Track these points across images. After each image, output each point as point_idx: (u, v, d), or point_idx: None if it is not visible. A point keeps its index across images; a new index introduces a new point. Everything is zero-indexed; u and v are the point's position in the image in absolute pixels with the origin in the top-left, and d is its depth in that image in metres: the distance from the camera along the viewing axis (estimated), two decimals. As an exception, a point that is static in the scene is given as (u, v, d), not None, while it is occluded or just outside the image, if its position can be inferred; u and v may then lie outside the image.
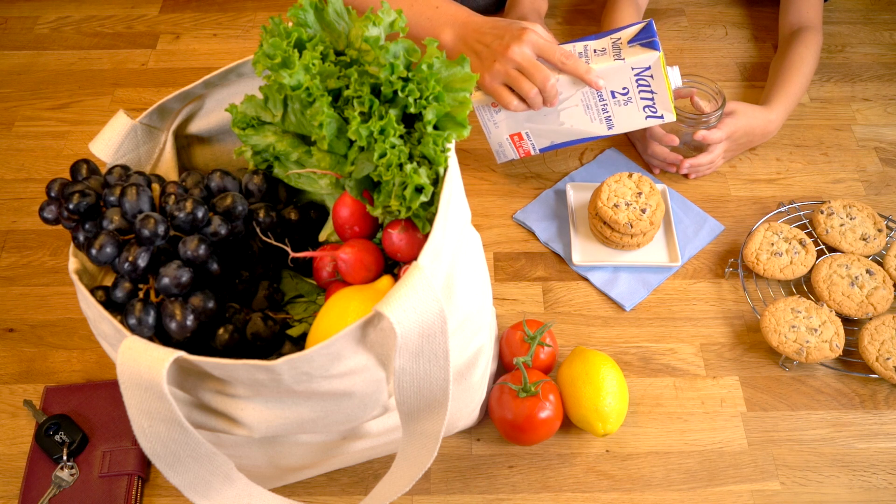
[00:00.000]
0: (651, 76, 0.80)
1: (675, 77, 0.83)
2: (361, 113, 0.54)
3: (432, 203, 0.55)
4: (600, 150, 1.02)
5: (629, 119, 0.84)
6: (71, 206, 0.54)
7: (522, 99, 0.82)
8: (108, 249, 0.52)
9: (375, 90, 0.55)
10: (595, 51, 0.82)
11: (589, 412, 0.71)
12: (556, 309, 0.86)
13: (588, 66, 0.80)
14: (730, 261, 0.89)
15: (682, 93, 0.95)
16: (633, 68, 0.79)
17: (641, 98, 0.82)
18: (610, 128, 0.85)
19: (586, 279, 0.89)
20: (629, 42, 0.81)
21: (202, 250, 0.54)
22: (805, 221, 0.93)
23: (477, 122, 1.03)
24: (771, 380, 0.80)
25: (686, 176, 0.98)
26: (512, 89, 0.81)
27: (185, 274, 0.53)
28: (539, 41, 0.79)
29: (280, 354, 0.57)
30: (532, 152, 0.91)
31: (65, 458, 0.73)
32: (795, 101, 1.00)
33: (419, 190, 0.54)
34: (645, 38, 0.80)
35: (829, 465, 0.74)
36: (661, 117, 0.84)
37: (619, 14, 1.04)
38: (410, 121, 0.56)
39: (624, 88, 0.81)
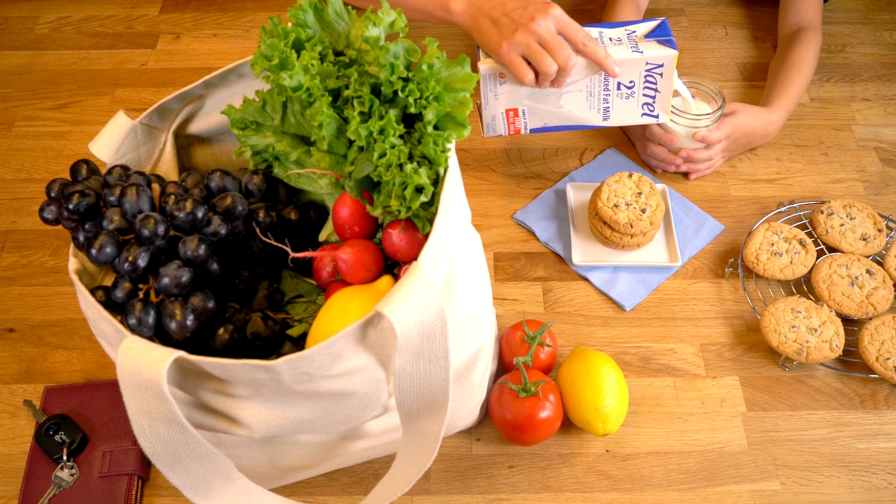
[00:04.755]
0: (661, 74, 0.80)
1: (676, 81, 0.84)
2: (361, 113, 0.54)
3: (432, 203, 0.55)
4: (600, 150, 1.02)
5: (626, 113, 0.85)
6: (71, 207, 0.54)
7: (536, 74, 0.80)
8: (108, 249, 0.52)
9: (375, 90, 0.55)
10: (611, 39, 0.82)
11: (589, 412, 0.71)
12: (556, 309, 0.86)
13: (607, 51, 0.79)
14: (730, 261, 0.89)
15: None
16: (647, 63, 0.80)
17: (644, 94, 0.82)
18: (605, 119, 0.85)
19: (586, 279, 0.89)
20: (645, 36, 0.81)
21: (202, 250, 0.54)
22: (805, 221, 0.93)
23: (477, 122, 1.03)
24: (771, 380, 0.80)
25: (686, 175, 0.98)
26: (528, 62, 0.79)
27: (185, 274, 0.53)
28: (563, 17, 0.78)
29: (280, 354, 0.57)
30: (522, 131, 0.90)
31: (65, 458, 0.73)
32: (795, 101, 1.00)
33: (419, 190, 0.54)
34: (662, 36, 0.81)
35: (829, 465, 0.74)
36: (657, 116, 0.84)
37: (619, 14, 1.04)
38: (410, 121, 0.56)
39: (631, 82, 0.82)
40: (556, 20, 0.77)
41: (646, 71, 0.80)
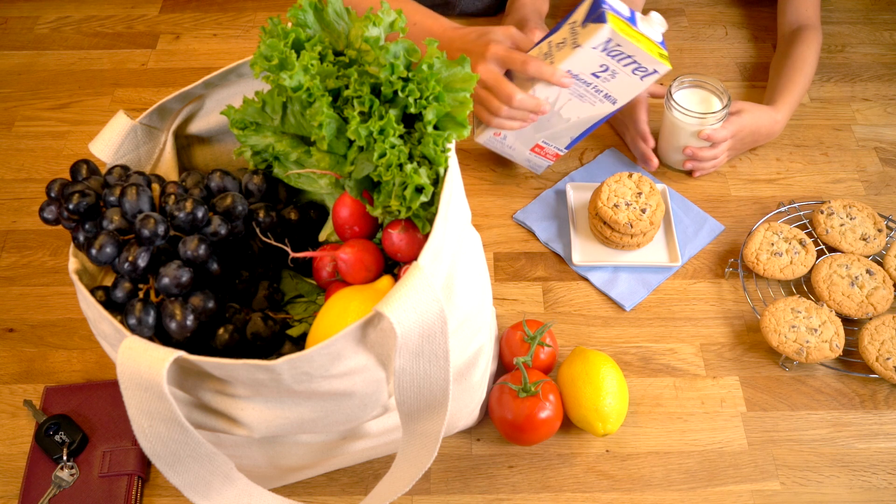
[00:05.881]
0: (618, 45, 0.76)
1: (655, 25, 0.79)
2: (361, 113, 0.54)
3: (432, 203, 0.55)
4: (600, 150, 1.02)
5: (627, 87, 0.81)
6: (71, 207, 0.54)
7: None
8: (108, 249, 0.52)
9: (375, 90, 0.55)
10: (557, 44, 0.79)
11: (589, 412, 0.71)
12: (556, 309, 0.86)
13: (552, 67, 0.78)
14: (730, 261, 0.89)
15: (659, 93, 0.95)
16: (593, 48, 0.76)
17: (625, 65, 0.78)
18: (614, 102, 0.83)
19: (586, 279, 0.88)
20: (582, 23, 0.77)
21: (202, 250, 0.54)
22: (805, 221, 0.93)
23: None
24: (771, 380, 0.80)
25: (690, 173, 0.98)
26: None
27: (185, 274, 0.53)
28: (501, 54, 0.79)
29: (280, 354, 0.57)
30: (561, 153, 0.91)
31: (65, 458, 0.73)
32: (799, 100, 1.00)
33: (419, 190, 0.54)
34: (593, 13, 0.76)
35: (829, 465, 0.74)
36: (655, 72, 0.79)
37: None
38: (410, 121, 0.56)
39: (602, 66, 0.78)
40: (496, 60, 0.78)
41: (602, 51, 0.76)
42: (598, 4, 0.77)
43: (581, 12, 0.79)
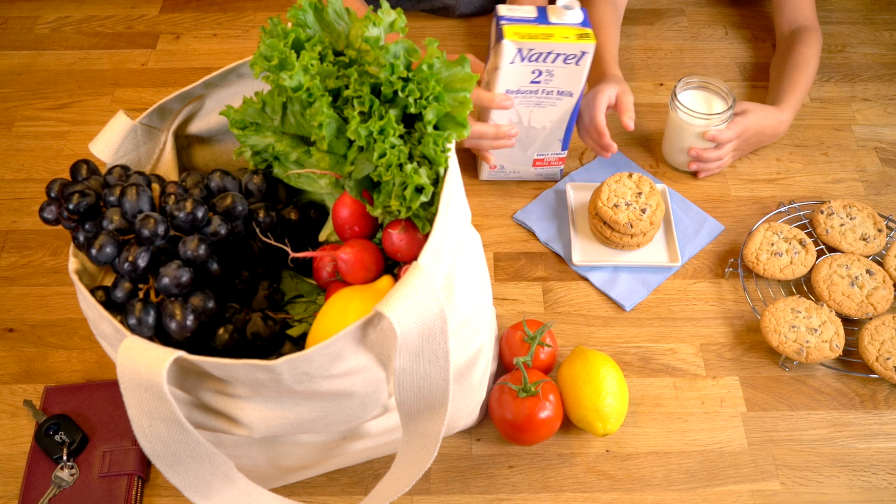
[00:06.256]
0: (531, 49, 0.77)
1: (565, 10, 0.79)
2: (361, 113, 0.54)
3: (432, 203, 0.55)
4: (600, 150, 1.02)
5: (572, 77, 0.82)
6: (71, 207, 0.54)
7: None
8: (108, 249, 0.52)
9: (375, 90, 0.55)
10: (490, 71, 0.82)
11: (589, 412, 0.71)
12: (556, 309, 0.86)
13: (490, 94, 0.81)
14: (730, 261, 0.89)
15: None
16: (511, 63, 0.78)
17: (553, 62, 0.79)
18: (571, 94, 0.84)
19: (586, 279, 0.88)
20: (494, 45, 0.80)
21: (202, 250, 0.54)
22: (805, 221, 0.93)
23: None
24: (771, 380, 0.80)
25: (695, 174, 0.98)
26: None
27: (185, 274, 0.53)
28: None
29: (280, 354, 0.57)
30: (563, 155, 0.93)
31: (65, 458, 0.73)
32: (802, 100, 1.00)
33: (419, 190, 0.54)
34: (497, 32, 0.78)
35: (829, 465, 0.74)
36: (584, 53, 0.79)
37: (596, 14, 1.03)
38: (411, 121, 0.56)
39: (534, 72, 0.80)
40: None
41: (523, 60, 0.78)
42: (498, 22, 0.79)
43: (493, 34, 0.81)
